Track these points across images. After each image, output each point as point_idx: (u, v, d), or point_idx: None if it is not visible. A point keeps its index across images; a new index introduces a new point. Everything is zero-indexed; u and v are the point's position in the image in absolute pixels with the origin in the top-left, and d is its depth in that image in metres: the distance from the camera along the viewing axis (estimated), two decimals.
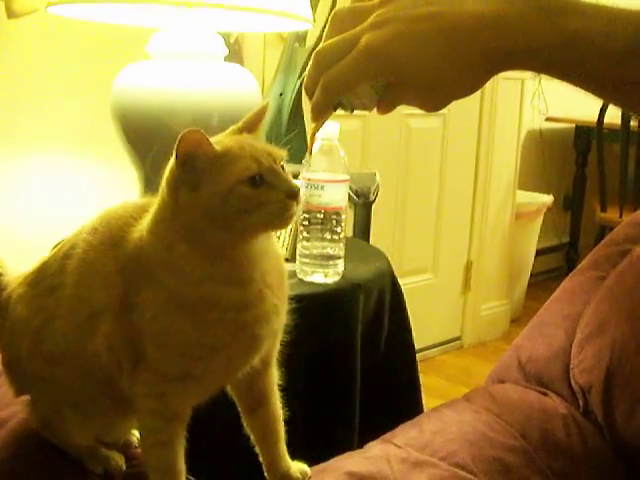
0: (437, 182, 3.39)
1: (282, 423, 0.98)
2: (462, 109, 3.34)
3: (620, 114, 3.50)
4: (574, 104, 3.66)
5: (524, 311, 3.94)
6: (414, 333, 1.74)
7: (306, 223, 1.50)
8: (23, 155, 2.00)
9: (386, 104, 0.77)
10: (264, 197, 0.80)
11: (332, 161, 1.49)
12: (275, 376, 0.98)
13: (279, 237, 1.60)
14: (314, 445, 1.19)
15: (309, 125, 0.81)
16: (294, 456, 1.01)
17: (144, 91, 1.57)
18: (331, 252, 1.51)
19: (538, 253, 4.21)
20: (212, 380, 0.90)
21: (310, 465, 1.02)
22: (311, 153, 0.78)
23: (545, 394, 1.24)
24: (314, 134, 0.83)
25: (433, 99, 0.74)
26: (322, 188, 1.47)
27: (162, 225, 0.83)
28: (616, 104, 0.75)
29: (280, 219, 0.81)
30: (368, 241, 2.05)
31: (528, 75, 3.58)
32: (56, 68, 2.01)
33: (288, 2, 1.54)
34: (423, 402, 1.75)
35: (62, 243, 0.95)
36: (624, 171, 3.60)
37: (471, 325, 3.65)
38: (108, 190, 2.12)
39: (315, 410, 1.44)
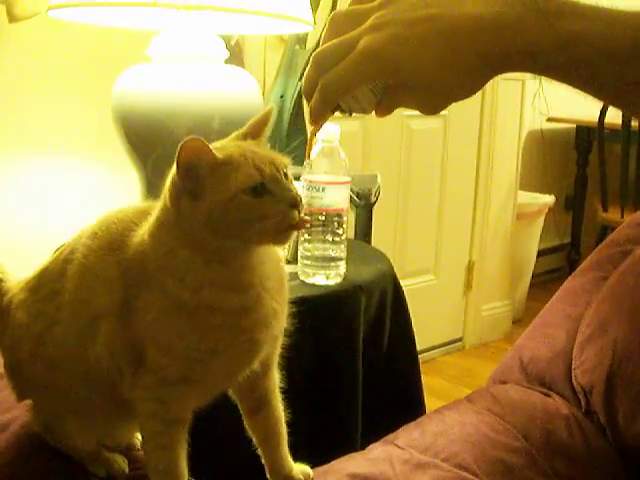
0: (438, 183, 3.39)
1: (284, 425, 0.99)
2: (463, 110, 3.34)
3: (621, 114, 3.50)
4: (575, 104, 3.65)
5: (526, 312, 3.93)
6: (416, 334, 1.74)
7: (307, 225, 1.50)
8: (24, 158, 2.00)
9: (384, 107, 0.77)
10: (266, 207, 0.79)
11: (333, 163, 1.49)
12: (276, 378, 0.98)
13: None
14: (316, 447, 1.19)
15: (308, 127, 0.82)
16: (296, 458, 1.01)
17: (145, 94, 1.57)
18: (333, 254, 1.51)
19: (540, 253, 4.20)
20: (212, 384, 0.90)
21: (312, 467, 1.03)
22: (310, 156, 0.78)
23: (547, 395, 1.24)
24: (313, 137, 0.83)
25: (432, 101, 0.74)
26: (323, 190, 1.48)
27: (163, 230, 0.83)
28: (616, 106, 0.75)
29: (283, 228, 0.81)
30: (369, 243, 2.05)
31: (529, 76, 3.56)
32: (57, 71, 2.02)
33: (288, 4, 1.54)
34: (425, 403, 1.75)
35: (62, 248, 0.95)
36: (625, 171, 3.60)
37: (473, 326, 3.64)
38: (109, 193, 2.12)
39: (317, 412, 1.44)
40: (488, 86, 2.70)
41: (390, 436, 1.15)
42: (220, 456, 1.29)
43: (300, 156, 1.49)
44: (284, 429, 0.99)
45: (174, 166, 0.80)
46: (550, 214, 4.12)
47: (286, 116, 1.98)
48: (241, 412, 0.99)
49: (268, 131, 0.90)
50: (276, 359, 0.96)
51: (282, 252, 1.52)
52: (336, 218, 1.50)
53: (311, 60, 0.74)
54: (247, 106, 1.61)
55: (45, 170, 2.04)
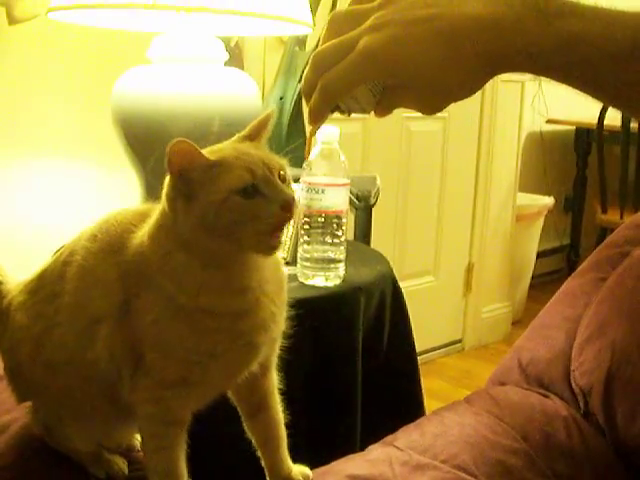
0: (438, 185, 3.39)
1: (283, 427, 0.99)
2: (462, 112, 3.34)
3: (620, 116, 3.51)
4: (574, 106, 3.67)
5: (525, 313, 3.93)
6: (415, 336, 1.74)
7: (307, 227, 1.50)
8: (24, 160, 2.01)
9: (384, 107, 0.76)
10: (257, 208, 0.79)
11: (332, 165, 1.49)
12: (275, 380, 0.98)
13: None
14: (316, 448, 1.19)
15: (308, 128, 0.81)
16: (296, 459, 1.01)
17: (144, 96, 1.58)
18: (332, 255, 1.51)
19: (539, 255, 4.20)
20: (211, 386, 0.90)
21: (312, 468, 1.03)
22: (309, 156, 0.78)
23: (546, 396, 1.24)
24: (312, 137, 0.83)
25: (431, 101, 0.74)
26: (323, 192, 1.48)
27: (162, 233, 0.83)
28: (615, 107, 0.75)
29: (274, 230, 0.81)
30: (369, 244, 2.06)
31: (528, 77, 3.58)
32: (57, 73, 2.02)
33: (288, 6, 1.54)
34: (425, 405, 1.75)
35: (61, 250, 0.95)
36: (624, 173, 3.60)
37: (472, 327, 3.64)
38: (109, 195, 2.12)
39: (317, 413, 1.44)
40: (488, 88, 2.70)
41: (389, 437, 1.15)
42: (219, 457, 1.29)
43: (299, 157, 1.49)
44: (283, 430, 0.99)
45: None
46: (549, 216, 4.12)
47: (285, 118, 1.98)
48: (240, 414, 0.99)
49: (268, 133, 0.90)
50: (275, 361, 0.97)
51: (281, 254, 1.53)
52: (335, 220, 1.50)
53: (310, 60, 0.74)
54: (246, 108, 1.62)
55: (44, 172, 2.04)
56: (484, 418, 1.18)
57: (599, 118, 3.58)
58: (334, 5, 2.19)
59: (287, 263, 1.56)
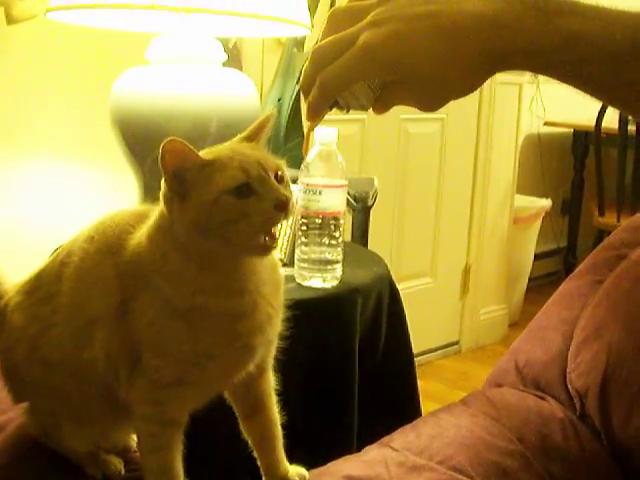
0: (435, 186, 3.39)
1: (280, 427, 0.99)
2: (460, 113, 3.35)
3: (618, 119, 3.51)
4: (572, 109, 3.67)
5: (522, 315, 3.94)
6: (412, 337, 1.74)
7: (304, 228, 1.50)
8: (22, 160, 2.01)
9: (382, 104, 0.76)
10: (250, 207, 0.79)
11: (330, 166, 1.49)
12: (272, 381, 0.98)
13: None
14: (312, 449, 1.19)
15: (305, 125, 0.81)
16: (292, 460, 1.01)
17: (143, 96, 1.58)
18: (329, 257, 1.51)
19: (536, 257, 4.21)
20: (207, 386, 0.90)
21: (308, 469, 1.03)
22: (307, 153, 0.78)
23: (542, 398, 1.24)
24: (310, 133, 0.82)
25: (430, 99, 0.73)
26: (320, 193, 1.48)
27: (159, 233, 0.84)
28: (614, 106, 0.75)
29: (267, 230, 0.81)
30: (366, 245, 2.06)
31: (526, 80, 3.59)
32: (55, 73, 2.02)
33: (286, 8, 1.54)
34: (421, 406, 1.75)
35: (59, 251, 0.95)
36: (622, 175, 3.61)
37: (469, 329, 3.65)
38: (107, 196, 2.12)
39: (313, 414, 1.44)
40: (485, 90, 2.73)
41: (385, 438, 1.15)
42: (216, 458, 1.29)
43: (297, 158, 1.49)
44: (280, 431, 0.99)
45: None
46: (547, 218, 4.13)
47: (283, 119, 1.99)
48: (237, 414, 0.99)
49: (267, 134, 0.90)
50: (271, 362, 0.97)
51: (278, 255, 1.53)
52: (333, 221, 1.50)
53: (310, 56, 0.74)
54: (245, 109, 1.62)
55: (42, 172, 2.04)
56: (480, 420, 1.18)
57: (597, 121, 3.59)
58: (332, 7, 2.19)
59: (284, 264, 1.56)
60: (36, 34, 1.96)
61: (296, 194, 1.53)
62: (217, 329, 0.83)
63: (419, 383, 1.76)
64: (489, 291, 3.70)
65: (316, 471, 1.04)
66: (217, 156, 0.82)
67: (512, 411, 1.21)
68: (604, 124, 3.60)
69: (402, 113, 3.07)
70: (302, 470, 1.02)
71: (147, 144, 1.57)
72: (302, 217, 1.51)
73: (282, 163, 0.85)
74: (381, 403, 1.63)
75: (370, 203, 2.03)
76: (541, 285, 4.32)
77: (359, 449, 1.15)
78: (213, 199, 0.79)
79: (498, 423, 1.17)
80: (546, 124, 4.33)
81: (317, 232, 1.50)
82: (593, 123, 3.62)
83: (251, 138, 0.88)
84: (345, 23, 0.72)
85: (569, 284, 1.36)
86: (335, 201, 1.50)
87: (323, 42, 0.73)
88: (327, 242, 1.51)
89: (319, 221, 1.49)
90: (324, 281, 1.52)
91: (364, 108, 0.77)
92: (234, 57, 2.21)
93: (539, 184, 4.41)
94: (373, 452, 1.11)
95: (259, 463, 0.99)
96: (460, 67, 0.69)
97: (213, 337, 0.83)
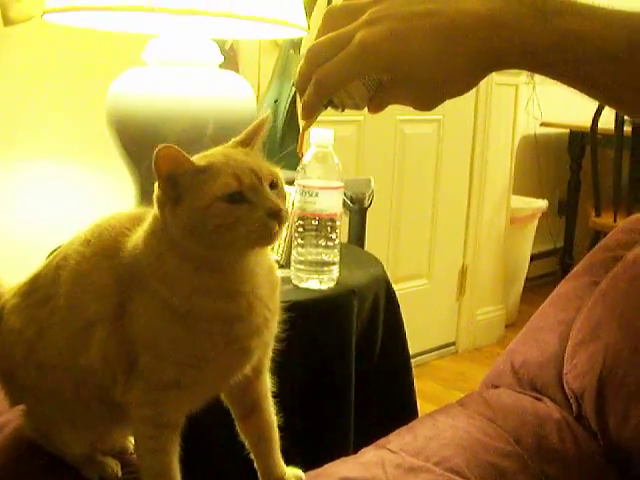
0: (432, 187, 3.39)
1: (276, 429, 0.99)
2: (457, 114, 3.35)
3: (614, 119, 3.51)
4: (568, 110, 3.68)
5: (519, 316, 3.94)
6: (409, 338, 1.74)
7: (301, 230, 1.51)
8: (18, 162, 2.00)
9: (377, 103, 0.76)
10: (242, 215, 0.79)
11: (326, 168, 1.50)
12: (268, 383, 0.98)
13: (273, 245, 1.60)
14: (309, 450, 1.19)
15: (301, 124, 0.80)
16: (289, 462, 1.01)
17: (139, 98, 1.58)
18: (326, 258, 1.51)
19: (533, 258, 4.21)
20: (204, 388, 0.90)
21: (305, 471, 1.03)
22: (302, 152, 0.77)
23: (539, 399, 1.25)
24: (305, 132, 0.81)
25: (427, 97, 0.73)
26: (316, 195, 1.48)
27: (154, 237, 0.84)
28: (611, 106, 0.75)
29: (259, 238, 0.81)
30: (363, 247, 2.06)
31: (522, 80, 3.59)
32: (52, 75, 2.02)
33: (282, 10, 1.54)
34: (418, 407, 1.75)
35: (54, 254, 0.96)
36: (618, 176, 3.61)
37: (466, 330, 3.65)
38: (103, 198, 2.12)
39: (310, 415, 1.44)
40: (482, 91, 2.73)
41: (382, 440, 1.15)
42: (213, 460, 1.29)
43: (294, 161, 1.49)
44: (276, 433, 0.99)
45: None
46: (543, 219, 4.13)
47: (280, 121, 1.99)
48: (233, 416, 0.99)
49: (263, 138, 0.90)
50: (268, 363, 0.97)
51: (275, 256, 1.53)
52: (329, 223, 1.50)
53: (305, 54, 0.73)
54: (241, 111, 1.62)
55: (38, 174, 2.04)
56: (477, 421, 1.19)
57: (593, 121, 3.59)
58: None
59: (281, 266, 1.56)
60: (33, 36, 1.95)
61: (292, 196, 1.53)
62: (213, 331, 0.83)
63: (416, 384, 1.76)
64: (486, 292, 3.70)
65: (312, 473, 1.05)
66: (211, 162, 0.82)
67: (508, 412, 1.21)
68: (600, 125, 3.61)
69: (398, 114, 3.07)
70: (299, 472, 1.02)
71: (144, 146, 1.56)
72: (298, 219, 1.51)
73: (277, 170, 0.85)
74: (378, 404, 1.64)
75: (367, 204, 2.03)
76: (538, 286, 4.32)
77: (356, 451, 1.15)
78: (206, 205, 0.79)
79: (495, 424, 1.18)
80: (542, 125, 4.33)
81: (314, 234, 1.50)
82: (589, 124, 3.62)
83: (245, 143, 0.88)
84: (341, 21, 0.72)
85: (565, 285, 1.36)
86: (331, 203, 1.50)
87: (319, 40, 0.73)
88: (324, 244, 1.51)
89: (315, 223, 1.50)
90: (321, 283, 1.52)
91: (359, 107, 0.77)
92: (230, 59, 2.21)
93: (535, 185, 4.41)
94: (370, 454, 1.11)
95: (256, 465, 0.99)
96: (457, 66, 0.69)
97: (209, 339, 0.83)
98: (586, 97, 0.71)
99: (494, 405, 1.23)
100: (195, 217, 0.79)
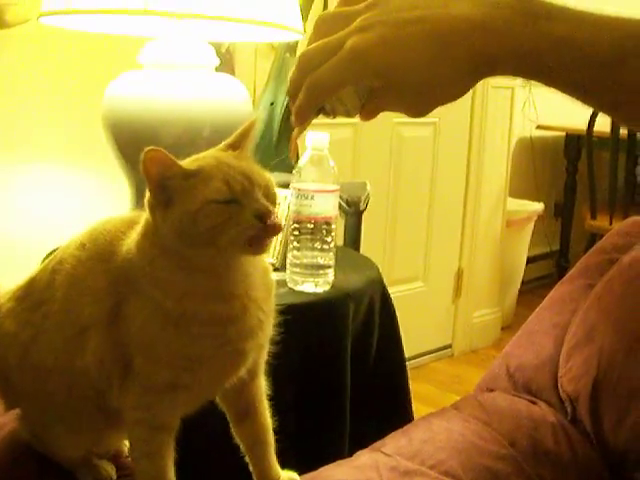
0: (428, 190, 3.39)
1: (271, 432, 0.99)
2: (453, 117, 3.35)
3: (610, 122, 3.52)
4: (564, 112, 3.68)
5: (515, 318, 3.94)
6: (405, 341, 1.74)
7: (296, 233, 1.51)
8: (14, 165, 2.00)
9: (369, 110, 0.75)
10: (232, 217, 0.79)
11: (322, 171, 1.50)
12: (263, 386, 0.98)
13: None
14: (304, 454, 1.19)
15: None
16: (284, 465, 1.01)
17: (135, 101, 1.58)
18: (321, 261, 1.51)
19: (529, 260, 4.22)
20: (198, 391, 0.90)
21: (300, 474, 1.03)
22: (294, 157, 0.76)
23: (534, 402, 1.25)
24: (296, 138, 0.81)
25: (418, 104, 0.73)
26: (312, 198, 1.48)
27: (147, 240, 0.84)
28: (604, 112, 0.75)
29: (248, 239, 0.80)
30: (359, 250, 2.06)
31: (518, 83, 3.60)
32: (48, 78, 2.02)
33: (278, 13, 1.54)
34: (414, 410, 1.75)
35: (50, 258, 0.96)
36: (614, 179, 3.61)
37: (462, 332, 3.65)
38: (99, 201, 2.12)
39: (305, 419, 1.44)
40: (478, 93, 2.72)
41: (377, 443, 1.15)
42: (208, 463, 1.29)
43: (289, 164, 1.49)
44: (271, 436, 0.99)
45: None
46: (539, 221, 4.13)
47: (276, 124, 1.98)
48: (228, 419, 0.99)
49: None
50: (262, 366, 0.97)
51: (270, 259, 1.53)
52: (325, 226, 1.50)
53: (297, 60, 0.73)
54: (237, 114, 1.62)
55: (34, 177, 2.04)
56: (472, 424, 1.19)
57: (589, 124, 3.59)
58: (325, 9, 2.20)
59: (276, 269, 1.56)
60: (29, 38, 1.96)
61: (288, 199, 1.53)
62: (207, 334, 0.83)
63: (412, 386, 1.76)
64: (482, 294, 3.70)
65: (308, 476, 1.05)
66: (201, 166, 0.82)
67: (503, 415, 1.21)
68: (596, 127, 3.61)
69: (395, 117, 3.05)
70: (294, 475, 1.02)
71: (140, 149, 1.55)
72: (294, 222, 1.51)
73: (268, 175, 0.85)
74: (373, 407, 1.63)
75: (362, 207, 2.03)
76: (534, 288, 4.32)
77: (351, 454, 1.15)
78: (196, 210, 0.79)
79: (489, 427, 1.18)
80: (538, 127, 4.33)
81: (309, 237, 1.50)
82: (585, 127, 3.62)
83: (235, 146, 0.88)
84: (333, 28, 0.72)
85: (560, 288, 1.36)
86: (327, 206, 1.50)
87: (311, 46, 0.72)
88: (319, 247, 1.51)
89: (311, 226, 1.50)
90: (316, 286, 1.52)
91: (351, 114, 0.76)
92: (227, 62, 2.21)
93: (531, 187, 4.41)
94: (365, 457, 1.11)
95: (251, 468, 0.99)
96: (448, 72, 0.69)
97: (203, 342, 0.84)
98: (581, 104, 0.71)
99: (489, 408, 1.23)
100: (185, 220, 0.79)
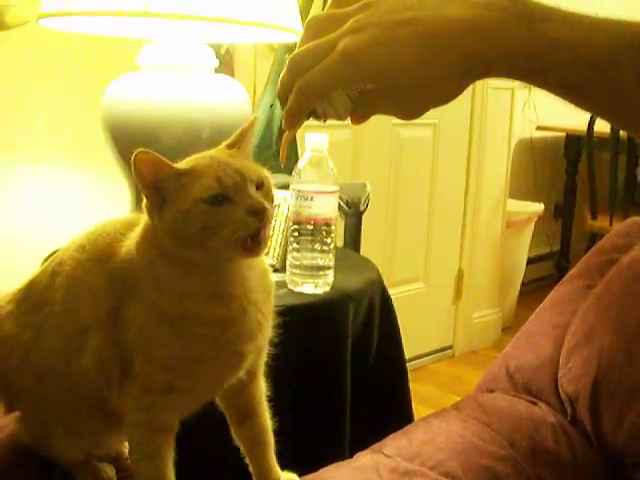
0: (428, 191, 3.39)
1: (271, 433, 0.99)
2: (453, 118, 3.35)
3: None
4: (564, 113, 3.66)
5: (515, 319, 3.94)
6: (406, 342, 1.74)
7: (296, 234, 1.51)
8: (13, 166, 2.00)
9: (360, 113, 0.75)
10: (224, 215, 0.79)
11: (321, 172, 1.50)
12: (263, 387, 0.98)
13: (269, 249, 1.60)
14: (304, 455, 1.19)
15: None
16: (284, 466, 1.01)
17: (134, 103, 1.58)
18: (321, 263, 1.51)
19: (529, 261, 4.21)
20: (197, 393, 0.90)
21: (300, 475, 1.03)
22: (284, 161, 0.76)
23: (534, 403, 1.25)
24: (287, 142, 0.81)
25: (411, 106, 0.72)
26: (312, 199, 1.48)
27: (146, 242, 0.84)
28: (598, 115, 0.74)
29: (242, 237, 0.80)
30: (359, 251, 2.06)
31: (518, 84, 3.59)
32: (47, 79, 2.02)
33: (278, 14, 1.54)
34: (414, 411, 1.75)
35: (49, 260, 0.96)
36: (614, 179, 3.61)
37: (462, 333, 3.65)
38: (99, 202, 2.12)
39: (305, 420, 1.44)
40: (478, 94, 2.72)
41: (377, 444, 1.15)
42: (208, 464, 1.29)
43: (289, 165, 1.49)
44: (271, 437, 0.99)
45: None
46: (539, 222, 4.13)
47: (275, 125, 1.98)
48: (228, 420, 0.99)
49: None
50: (262, 368, 0.97)
51: (270, 260, 1.53)
52: (324, 227, 1.50)
53: (287, 63, 0.72)
54: (237, 115, 1.62)
55: (33, 179, 2.04)
56: (472, 425, 1.19)
57: (589, 125, 3.60)
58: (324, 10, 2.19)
59: (276, 270, 1.56)
60: (28, 40, 1.96)
61: (288, 200, 1.53)
62: (205, 336, 0.83)
63: (412, 387, 1.76)
64: (482, 295, 3.70)
65: (308, 477, 1.05)
66: (193, 165, 0.82)
67: (503, 416, 1.21)
68: (596, 128, 3.61)
69: (394, 117, 3.05)
70: (294, 476, 1.02)
71: None
72: (294, 223, 1.51)
73: (264, 171, 0.85)
74: (373, 409, 1.63)
75: (362, 208, 2.03)
76: (534, 289, 4.32)
77: (351, 455, 1.15)
78: (188, 208, 0.79)
79: (489, 428, 1.18)
80: (539, 128, 4.33)
81: (309, 238, 1.50)
82: (585, 127, 3.62)
83: (232, 145, 0.88)
84: (324, 30, 0.71)
85: (560, 289, 1.36)
86: (327, 207, 1.50)
87: (301, 48, 0.71)
88: (319, 248, 1.51)
89: (311, 227, 1.50)
90: (316, 287, 1.52)
91: (342, 118, 0.75)
92: (226, 63, 2.22)
93: (532, 188, 4.41)
94: (365, 458, 1.11)
95: (251, 469, 0.99)
96: (441, 74, 0.68)
97: (201, 343, 0.84)
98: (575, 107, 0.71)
99: (489, 409, 1.23)
100: (179, 220, 0.79)
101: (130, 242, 0.87)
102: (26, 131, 2.00)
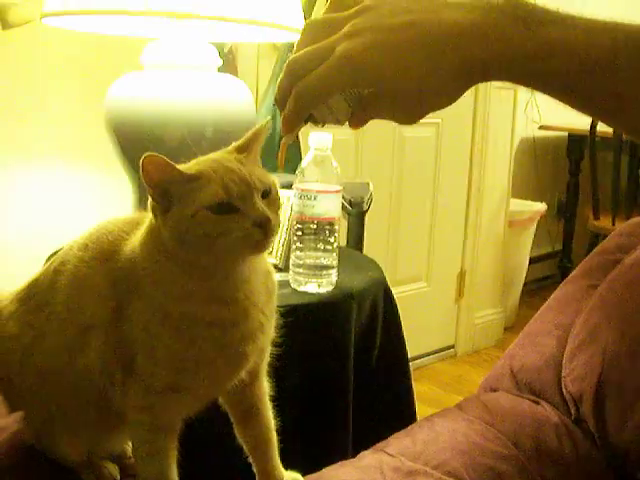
0: (431, 191, 3.39)
1: (274, 433, 0.99)
2: (455, 118, 3.35)
3: None
4: (567, 113, 3.66)
5: (518, 319, 3.94)
6: (408, 341, 1.74)
7: (299, 233, 1.50)
8: (15, 165, 2.00)
9: (359, 118, 0.74)
10: (228, 224, 0.79)
11: (325, 172, 1.49)
12: (266, 387, 0.98)
13: (272, 249, 1.60)
14: (307, 454, 1.19)
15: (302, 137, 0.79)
16: (288, 466, 1.01)
17: (137, 102, 1.57)
18: (324, 262, 1.51)
19: (531, 261, 4.21)
20: (200, 392, 0.90)
21: (303, 474, 1.03)
22: (282, 165, 0.76)
23: (537, 403, 1.25)
24: (285, 147, 0.80)
25: (409, 111, 0.72)
26: (315, 199, 1.48)
27: (150, 241, 0.84)
28: (596, 117, 0.74)
29: (245, 247, 0.80)
30: (362, 250, 2.06)
31: None
32: (50, 79, 2.02)
33: (281, 14, 1.54)
34: (416, 411, 1.75)
35: (52, 259, 0.96)
36: (616, 179, 3.61)
37: (465, 333, 3.65)
38: (102, 201, 2.12)
39: (308, 420, 1.44)
40: (480, 94, 2.72)
41: (381, 444, 1.15)
42: (211, 464, 1.29)
43: (292, 165, 1.49)
44: (274, 437, 0.99)
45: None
46: (542, 222, 4.13)
47: (278, 124, 1.98)
48: (232, 420, 0.99)
49: (261, 144, 0.89)
50: (265, 367, 0.97)
51: (273, 260, 1.53)
52: (328, 226, 1.50)
53: (285, 67, 0.72)
54: (240, 114, 1.62)
55: (36, 178, 2.04)
56: (475, 424, 1.19)
57: (591, 125, 3.59)
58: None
59: (279, 270, 1.56)
60: (31, 39, 1.96)
61: (291, 200, 1.53)
62: (207, 336, 0.83)
63: (415, 387, 1.76)
64: (484, 295, 3.70)
65: (311, 477, 1.05)
66: (201, 170, 0.81)
67: (507, 416, 1.21)
68: (599, 128, 3.61)
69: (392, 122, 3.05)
70: (297, 475, 1.02)
71: (142, 150, 1.54)
72: (297, 222, 1.50)
73: (272, 178, 0.85)
74: (376, 408, 1.63)
75: (365, 208, 2.03)
76: (536, 289, 4.33)
77: (354, 454, 1.15)
78: (191, 214, 0.79)
79: (493, 428, 1.18)
80: (541, 128, 4.33)
81: (312, 237, 1.50)
82: (588, 127, 3.62)
83: (242, 149, 0.87)
84: (322, 34, 0.70)
85: (564, 289, 1.36)
86: (330, 206, 1.50)
87: (299, 53, 0.71)
88: (322, 247, 1.50)
89: (314, 226, 1.49)
90: (319, 286, 1.52)
91: (340, 123, 0.75)
92: (229, 62, 2.22)
93: (534, 188, 4.41)
94: (368, 457, 1.11)
95: (254, 469, 0.99)
96: (439, 77, 0.68)
97: (204, 344, 0.83)
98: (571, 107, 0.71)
99: (492, 409, 1.23)
100: (182, 225, 0.79)
101: (134, 241, 0.86)
102: (29, 130, 2.00)
